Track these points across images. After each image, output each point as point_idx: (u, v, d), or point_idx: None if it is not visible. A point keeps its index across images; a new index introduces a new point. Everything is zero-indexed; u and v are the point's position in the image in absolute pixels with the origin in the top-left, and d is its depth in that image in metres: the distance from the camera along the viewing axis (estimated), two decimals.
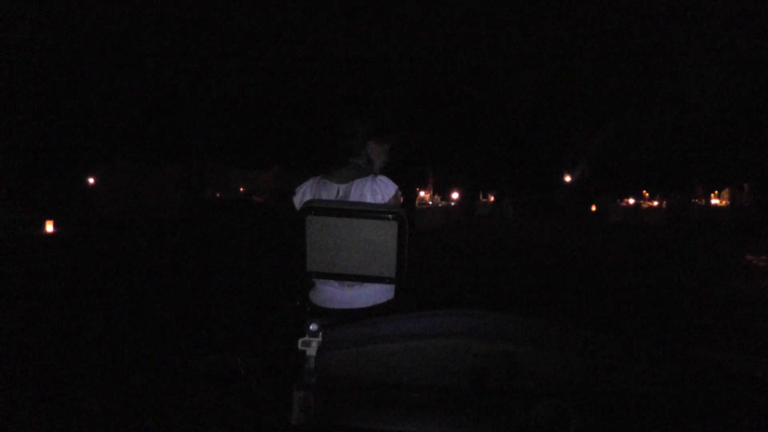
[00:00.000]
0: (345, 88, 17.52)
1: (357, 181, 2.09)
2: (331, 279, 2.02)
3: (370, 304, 2.03)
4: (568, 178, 23.09)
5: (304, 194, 2.14)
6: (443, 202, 17.96)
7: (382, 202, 2.03)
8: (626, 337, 1.23)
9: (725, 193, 18.26)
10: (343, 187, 2.10)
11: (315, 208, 1.90)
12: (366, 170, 2.14)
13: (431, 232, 14.04)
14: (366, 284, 2.03)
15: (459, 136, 20.66)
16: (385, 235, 1.86)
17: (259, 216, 16.17)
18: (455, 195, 19.28)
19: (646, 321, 5.19)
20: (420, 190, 17.46)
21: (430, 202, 17.02)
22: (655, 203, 18.63)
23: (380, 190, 2.05)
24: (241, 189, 22.64)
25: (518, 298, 6.27)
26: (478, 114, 20.48)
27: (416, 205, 15.56)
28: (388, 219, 1.85)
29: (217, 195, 21.08)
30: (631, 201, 18.99)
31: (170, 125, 19.15)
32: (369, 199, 2.05)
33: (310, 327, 1.26)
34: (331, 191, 2.11)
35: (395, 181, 2.13)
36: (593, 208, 21.56)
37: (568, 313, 5.29)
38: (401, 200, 2.15)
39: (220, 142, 20.76)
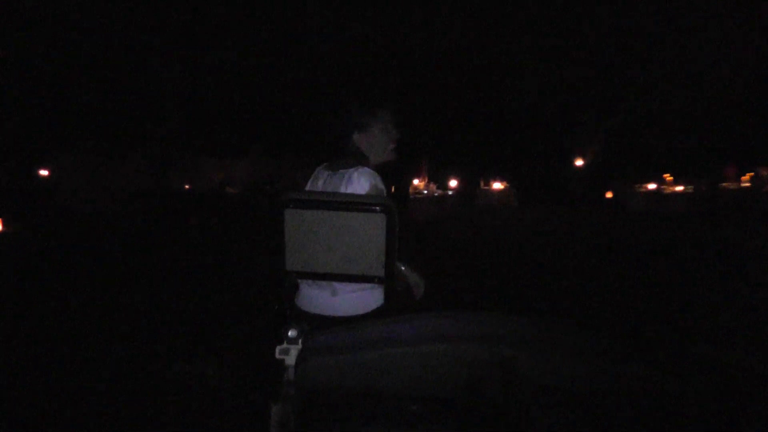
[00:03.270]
0: (330, 72, 17.62)
1: (342, 171, 2.15)
2: (313, 278, 2.03)
3: (360, 312, 2.05)
4: (579, 162, 23.12)
5: (309, 184, 2.25)
6: (440, 191, 18.00)
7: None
8: (640, 340, 1.25)
9: (746, 176, 18.14)
10: (328, 175, 2.17)
11: (294, 199, 1.91)
12: (359, 159, 2.18)
13: (426, 225, 14.07)
14: (355, 290, 2.05)
15: (456, 118, 20.68)
16: (372, 229, 1.87)
17: (232, 209, 16.13)
18: (453, 183, 19.29)
19: (665, 323, 5.23)
20: (413, 177, 17.50)
21: (425, 191, 17.06)
22: (680, 188, 18.50)
23: (352, 185, 2.09)
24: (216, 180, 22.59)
25: (521, 297, 6.31)
26: (477, 91, 20.48)
27: (409, 194, 15.58)
28: (376, 211, 1.86)
29: (186, 187, 20.99)
30: (652, 186, 18.96)
31: (131, 108, 19.02)
32: (343, 191, 2.10)
33: (289, 333, 1.28)
34: (319, 181, 2.19)
35: (382, 169, 2.16)
36: (609, 195, 21.58)
37: (576, 314, 5.32)
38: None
39: (186, 126, 20.66)
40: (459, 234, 12.54)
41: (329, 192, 2.08)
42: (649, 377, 1.12)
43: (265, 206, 14.71)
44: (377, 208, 1.86)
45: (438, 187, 18.45)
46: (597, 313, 5.51)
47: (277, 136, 21.70)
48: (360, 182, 2.09)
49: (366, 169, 2.13)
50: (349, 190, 2.09)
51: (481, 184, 21.69)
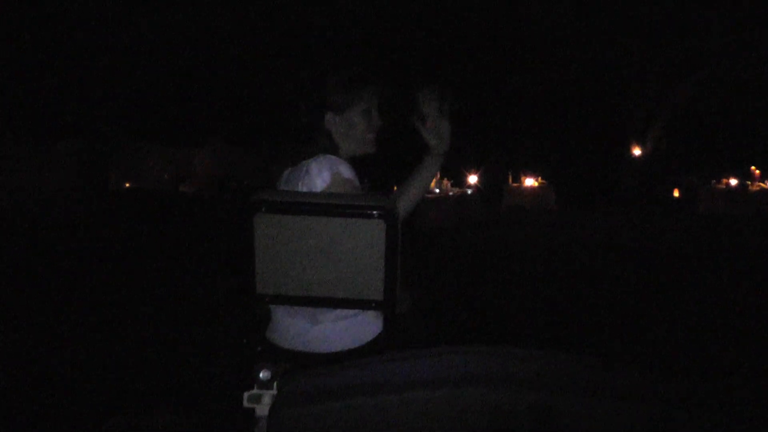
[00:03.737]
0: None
1: (303, 163, 2.21)
2: (291, 303, 2.04)
3: (349, 346, 2.06)
4: (637, 151, 23.08)
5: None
6: (456, 189, 17.98)
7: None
8: (713, 383, 1.26)
9: None
10: (290, 170, 2.25)
11: (266, 202, 1.92)
12: (324, 148, 2.24)
13: (437, 234, 14.08)
14: (342, 318, 2.08)
15: (477, 94, 20.65)
16: (368, 239, 1.89)
17: (187, 213, 16.14)
18: (473, 179, 19.29)
19: (748, 367, 5.24)
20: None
21: (437, 190, 17.05)
22: None
23: (309, 179, 2.13)
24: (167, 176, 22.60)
25: (557, 329, 6.32)
26: (504, 60, 20.48)
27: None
28: (373, 217, 1.87)
29: (127, 185, 21.02)
30: (733, 182, 18.91)
31: (52, 87, 19.01)
32: (301, 187, 2.15)
33: (260, 375, 1.29)
34: (283, 178, 2.27)
35: (372, 161, 2.21)
36: (676, 194, 21.57)
37: (626, 351, 5.34)
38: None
39: (125, 108, 20.66)
40: (479, 246, 12.55)
41: (310, 192, 2.10)
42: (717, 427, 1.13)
43: (230, 209, 14.73)
44: (374, 212, 1.86)
45: (453, 185, 18.39)
46: (661, 355, 5.53)
47: (245, 120, 21.71)
48: (320, 174, 2.12)
49: (326, 157, 2.16)
50: (305, 188, 2.12)
51: (510, 180, 21.67)
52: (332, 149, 2.24)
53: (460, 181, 19.02)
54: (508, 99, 21.94)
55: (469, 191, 18.45)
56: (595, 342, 5.83)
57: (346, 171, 2.13)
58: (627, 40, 19.73)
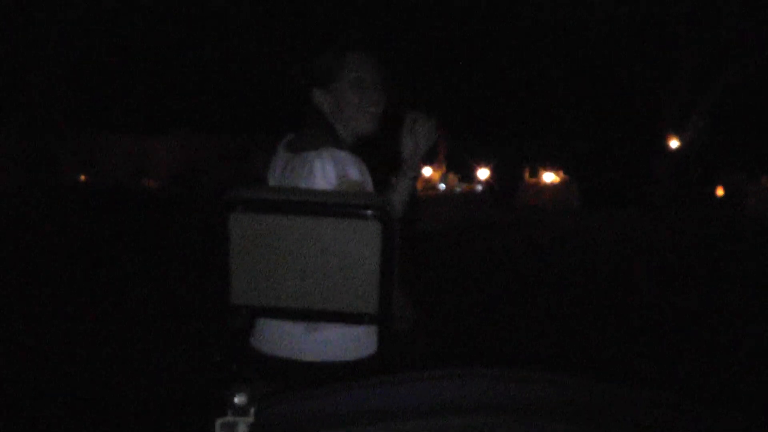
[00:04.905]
0: None
1: (304, 153, 2.21)
2: (271, 316, 2.06)
3: (346, 357, 2.07)
4: (674, 143, 23.04)
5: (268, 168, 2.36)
6: (464, 186, 17.98)
7: None
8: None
9: None
10: (287, 160, 2.25)
11: (244, 199, 1.93)
12: (322, 134, 2.24)
13: (442, 237, 14.06)
14: (341, 325, 2.07)
15: (488, 73, 20.64)
16: (361, 243, 1.90)
17: (151, 211, 16.09)
18: (483, 174, 19.27)
19: None
20: (425, 165, 17.47)
21: (442, 186, 17.05)
22: None
23: (312, 177, 2.15)
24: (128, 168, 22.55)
25: (576, 351, 6.32)
26: (520, 33, 20.47)
27: (418, 191, 15.54)
28: (366, 217, 1.88)
29: (82, 178, 20.97)
30: None
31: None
32: (302, 185, 2.17)
33: (235, 399, 1.28)
34: (277, 168, 2.28)
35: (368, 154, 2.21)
36: (720, 192, 21.57)
37: (669, 376, 5.35)
38: None
39: (71, 92, 20.59)
40: (490, 253, 12.52)
41: (295, 188, 2.11)
42: None
43: (202, 207, 14.70)
44: (368, 212, 1.87)
45: (461, 180, 18.39)
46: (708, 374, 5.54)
47: (217, 103, 21.62)
48: (324, 175, 2.13)
49: (331, 153, 2.17)
50: (306, 185, 2.15)
51: (526, 175, 21.66)
52: (329, 133, 2.24)
53: (468, 176, 19.00)
54: (526, 80, 21.89)
55: (479, 188, 18.45)
56: (627, 366, 5.84)
57: (354, 172, 2.13)
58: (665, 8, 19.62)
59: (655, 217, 17.82)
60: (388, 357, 2.03)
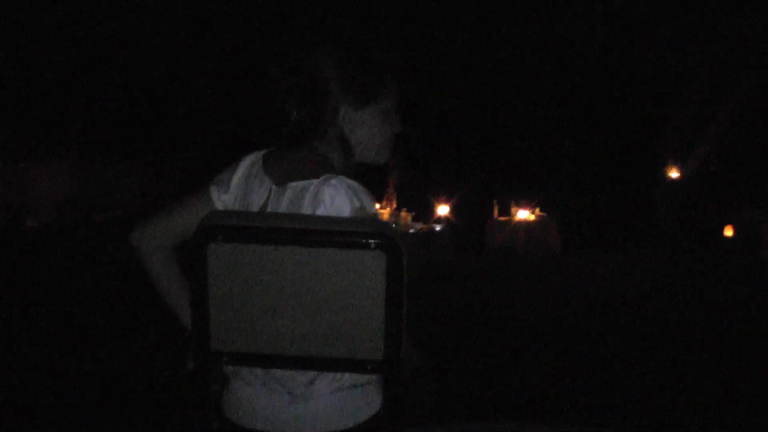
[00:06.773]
0: None
1: (294, 184, 2.24)
2: (258, 366, 2.15)
3: (339, 427, 2.15)
4: (673, 174, 23.31)
5: (230, 187, 2.35)
6: (420, 224, 18.04)
7: None
8: None
9: None
10: (276, 190, 2.26)
11: (225, 227, 1.99)
12: (323, 164, 2.28)
13: None
14: (331, 390, 2.16)
15: (451, 89, 20.84)
16: (363, 279, 1.96)
17: (36, 256, 15.90)
18: (443, 210, 19.35)
19: None
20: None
21: (393, 225, 17.13)
22: None
23: (323, 208, 2.15)
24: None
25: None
26: (491, 41, 20.75)
27: None
28: (369, 248, 1.94)
29: None
30: None
31: None
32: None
33: None
34: (261, 192, 2.29)
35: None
36: (729, 232, 21.75)
37: None
38: None
39: None
40: (451, 306, 12.35)
41: (284, 213, 2.19)
42: None
43: (109, 247, 14.58)
44: (371, 241, 1.93)
45: (416, 218, 18.46)
46: None
47: (117, 123, 21.49)
48: (334, 204, 2.13)
49: (342, 181, 2.18)
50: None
51: (495, 211, 21.74)
52: (324, 158, 2.29)
53: (425, 213, 19.05)
54: (496, 95, 22.08)
55: (438, 227, 18.48)
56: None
57: (369, 203, 2.18)
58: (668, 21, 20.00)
59: (651, 262, 17.76)
60: (394, 415, 2.11)
